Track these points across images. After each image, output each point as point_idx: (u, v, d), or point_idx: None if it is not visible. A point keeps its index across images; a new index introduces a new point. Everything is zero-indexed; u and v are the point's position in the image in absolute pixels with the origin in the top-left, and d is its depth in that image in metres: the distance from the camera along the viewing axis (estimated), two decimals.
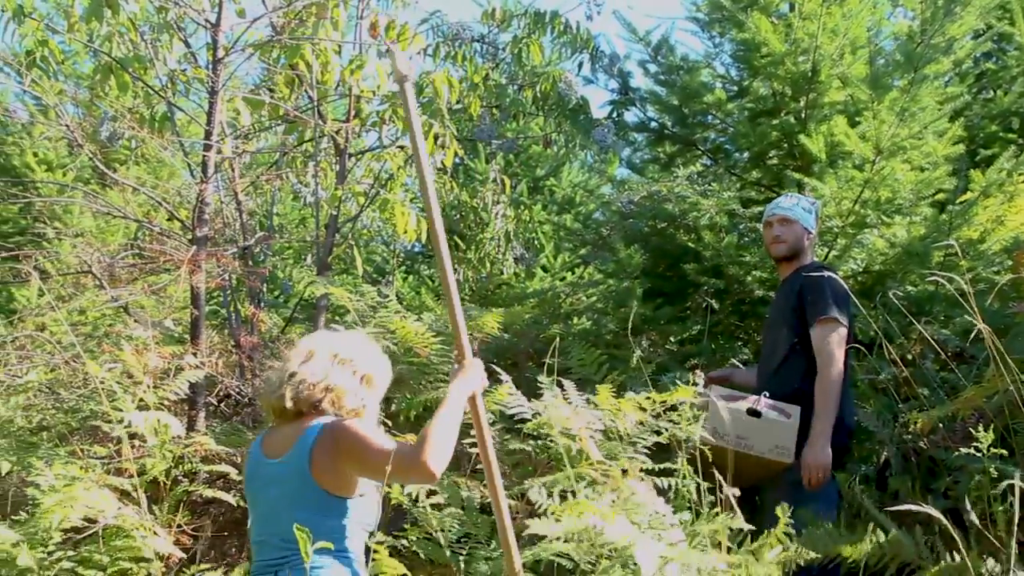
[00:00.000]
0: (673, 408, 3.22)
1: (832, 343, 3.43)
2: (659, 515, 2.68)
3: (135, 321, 4.43)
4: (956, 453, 3.14)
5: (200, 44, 5.26)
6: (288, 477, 2.29)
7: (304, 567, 2.04)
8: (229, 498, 3.55)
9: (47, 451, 3.55)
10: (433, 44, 5.43)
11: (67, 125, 4.62)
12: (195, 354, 4.03)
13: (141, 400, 3.32)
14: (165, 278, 4.50)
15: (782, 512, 2.62)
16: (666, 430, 3.20)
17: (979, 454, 2.85)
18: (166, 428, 3.22)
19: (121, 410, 3.21)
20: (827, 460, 3.32)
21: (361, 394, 2.45)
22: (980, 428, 2.85)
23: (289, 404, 2.36)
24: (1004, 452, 2.89)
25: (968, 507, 2.86)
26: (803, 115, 5.08)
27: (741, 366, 4.23)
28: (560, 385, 3.42)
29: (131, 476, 3.21)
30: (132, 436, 3.30)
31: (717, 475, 2.81)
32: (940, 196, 4.81)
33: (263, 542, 2.32)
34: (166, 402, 3.49)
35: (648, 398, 3.16)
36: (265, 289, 5.54)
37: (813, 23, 4.86)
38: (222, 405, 4.79)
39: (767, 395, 3.45)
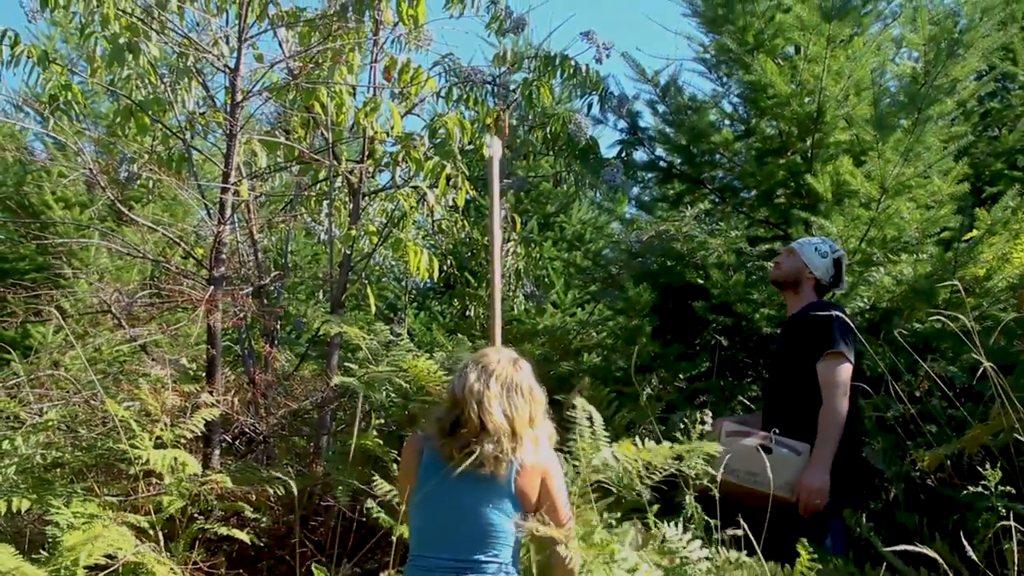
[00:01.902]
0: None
1: (837, 376, 3.47)
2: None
3: (152, 359, 4.49)
4: (964, 491, 3.16)
5: (218, 86, 5.39)
6: (488, 490, 2.57)
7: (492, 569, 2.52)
8: (243, 536, 3.59)
9: (64, 488, 3.60)
10: (446, 87, 5.52)
11: (90, 168, 4.72)
12: (211, 392, 4.09)
13: (158, 438, 3.37)
14: (182, 317, 4.57)
15: (803, 549, 2.64)
16: (676, 469, 3.22)
17: (987, 492, 2.87)
18: (183, 466, 3.27)
19: (138, 448, 3.26)
20: (824, 487, 3.35)
21: (537, 412, 2.71)
22: (987, 466, 2.88)
23: (489, 426, 2.58)
24: (1011, 490, 2.92)
25: (972, 544, 2.88)
26: (809, 154, 5.14)
27: (751, 407, 4.24)
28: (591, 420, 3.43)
29: (147, 513, 3.26)
30: (148, 474, 3.36)
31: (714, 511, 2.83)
32: (946, 234, 4.86)
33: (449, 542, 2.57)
34: (182, 440, 3.54)
35: (671, 447, 3.17)
36: (279, 327, 5.61)
37: (818, 65, 4.94)
38: (236, 443, 4.84)
39: (777, 432, 3.48)
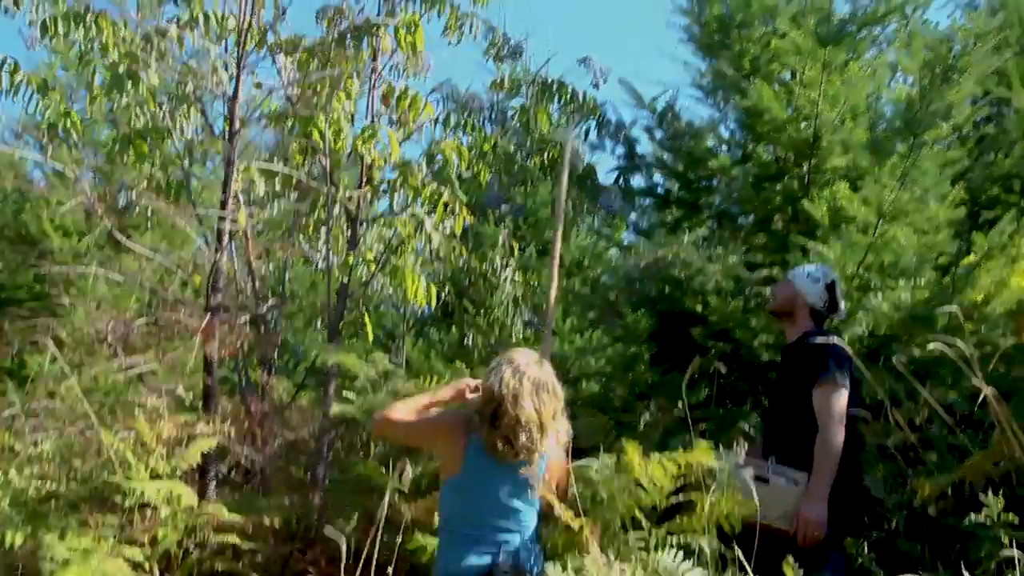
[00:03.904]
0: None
1: (832, 404, 3.45)
2: None
3: (148, 389, 4.47)
4: (966, 520, 3.14)
5: (217, 114, 5.40)
6: (522, 479, 2.86)
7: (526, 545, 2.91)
8: (240, 568, 3.55)
9: (58, 521, 3.56)
10: (444, 113, 5.54)
11: (87, 196, 4.72)
12: (208, 422, 4.07)
13: (154, 469, 3.35)
14: (179, 346, 4.56)
15: (790, 570, 2.61)
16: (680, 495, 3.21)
17: (989, 521, 2.85)
18: (179, 498, 3.24)
19: (133, 480, 3.23)
20: (822, 518, 3.32)
21: (558, 409, 2.99)
22: (989, 494, 2.85)
23: (536, 419, 2.88)
24: (1014, 518, 2.90)
25: (975, 574, 2.85)
26: (806, 180, 5.15)
27: (751, 434, 4.21)
28: None
29: (143, 546, 3.22)
30: (143, 506, 3.33)
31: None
32: (943, 259, 4.85)
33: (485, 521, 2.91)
34: (178, 471, 3.51)
35: (674, 461, 3.17)
36: (276, 356, 5.58)
37: (814, 90, 4.95)
38: (233, 473, 4.81)
39: (774, 460, 3.46)
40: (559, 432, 3.00)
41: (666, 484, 3.19)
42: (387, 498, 3.02)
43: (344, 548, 2.51)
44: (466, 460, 2.96)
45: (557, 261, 4.09)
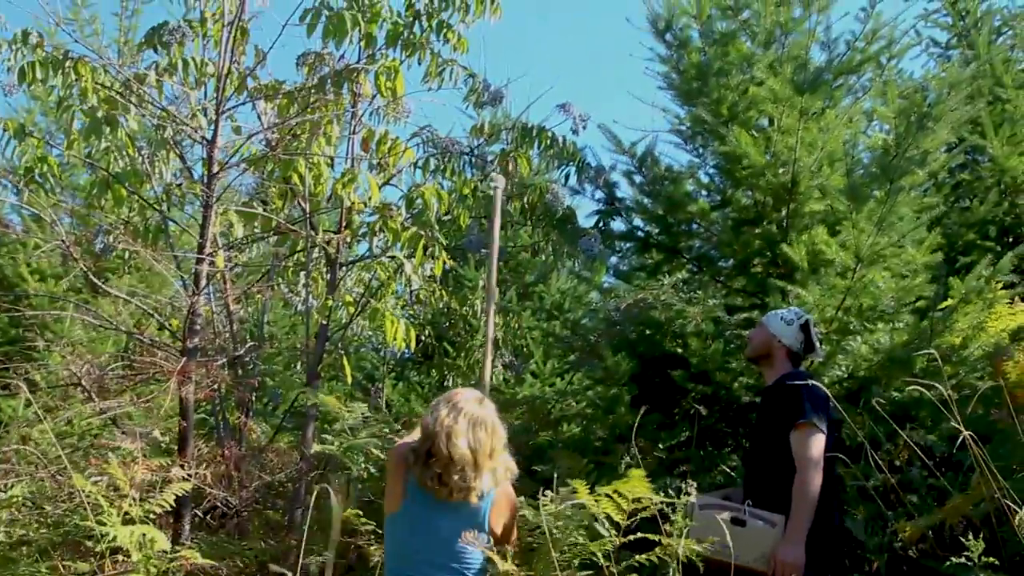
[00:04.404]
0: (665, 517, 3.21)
1: (809, 447, 3.45)
2: None
3: (123, 433, 4.41)
4: (947, 562, 3.12)
5: (196, 158, 5.40)
6: (464, 519, 2.88)
7: None
8: None
9: (29, 567, 3.49)
10: (423, 157, 5.56)
11: (63, 240, 4.69)
12: (183, 466, 4.01)
13: (127, 514, 3.29)
14: (155, 388, 4.51)
15: None
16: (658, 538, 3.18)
17: (970, 563, 2.84)
18: (151, 542, 3.18)
19: (105, 524, 3.17)
20: (799, 560, 3.30)
21: (499, 449, 3.01)
22: (969, 536, 2.85)
23: (469, 458, 2.88)
24: (995, 561, 2.89)
25: None
26: (785, 224, 5.19)
27: (732, 476, 4.20)
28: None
29: None
30: (116, 551, 3.26)
31: None
32: (921, 303, 4.89)
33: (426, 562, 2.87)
34: (151, 515, 3.45)
35: (622, 496, 3.15)
36: (254, 398, 5.53)
37: (791, 137, 5.01)
38: (208, 517, 4.73)
39: (750, 504, 3.45)
40: (498, 470, 2.99)
41: (620, 520, 3.17)
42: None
43: None
44: (405, 497, 2.95)
45: (491, 329, 4.08)
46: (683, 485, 3.23)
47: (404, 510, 2.93)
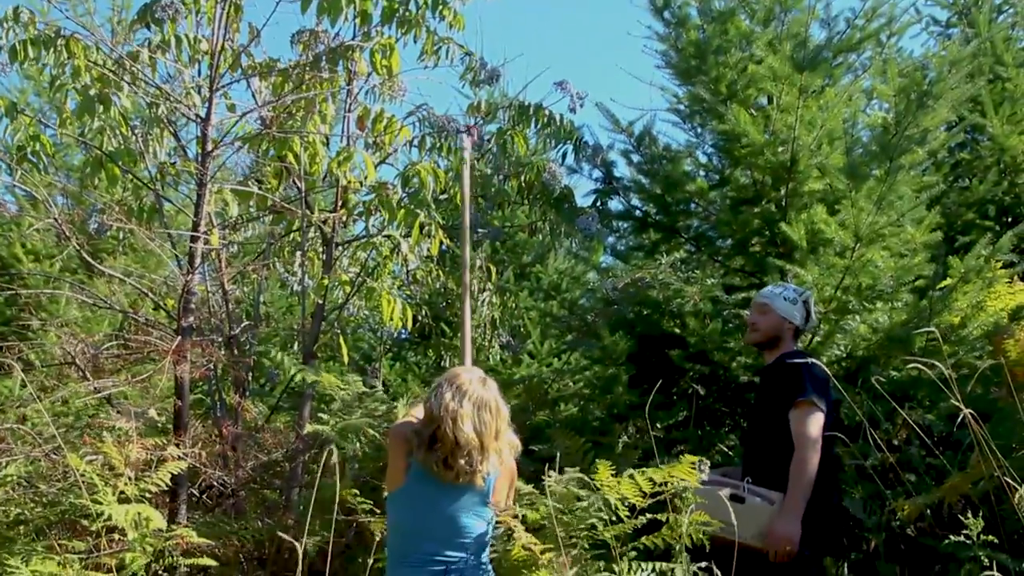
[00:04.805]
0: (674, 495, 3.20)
1: (808, 425, 3.44)
2: None
3: (118, 412, 4.39)
4: (946, 541, 3.12)
5: (190, 137, 5.35)
6: (467, 496, 2.89)
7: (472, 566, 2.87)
8: None
9: (24, 546, 3.47)
10: (419, 136, 5.51)
11: (55, 218, 4.65)
12: (178, 445, 3.99)
13: (122, 493, 3.27)
14: (150, 368, 4.48)
15: None
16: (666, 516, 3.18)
17: (969, 541, 2.83)
18: (147, 521, 3.17)
19: (100, 503, 3.16)
20: (793, 534, 3.30)
21: (503, 427, 2.98)
22: (968, 515, 2.84)
23: (476, 442, 2.85)
24: (993, 539, 2.88)
25: None
26: (783, 203, 5.16)
27: (730, 455, 4.19)
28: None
29: (110, 571, 3.14)
30: (112, 530, 3.25)
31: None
32: (920, 282, 4.87)
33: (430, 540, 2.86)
34: (147, 494, 3.44)
35: (647, 477, 3.13)
36: (251, 378, 5.51)
37: (791, 115, 4.98)
38: (204, 496, 4.72)
39: (750, 481, 3.44)
40: (503, 451, 2.98)
41: (637, 502, 3.16)
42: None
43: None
44: (408, 477, 2.92)
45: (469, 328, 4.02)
46: (698, 463, 3.22)
47: (406, 488, 2.91)
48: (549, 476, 3.21)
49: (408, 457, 2.93)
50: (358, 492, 3.76)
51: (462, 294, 4.29)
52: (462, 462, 2.83)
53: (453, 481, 2.86)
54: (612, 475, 3.15)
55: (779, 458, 3.47)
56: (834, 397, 3.64)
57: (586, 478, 3.24)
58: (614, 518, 3.19)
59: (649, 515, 3.18)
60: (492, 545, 3.15)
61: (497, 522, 3.02)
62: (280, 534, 2.56)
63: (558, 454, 3.50)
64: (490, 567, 2.99)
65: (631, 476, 3.14)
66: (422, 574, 2.81)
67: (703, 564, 3.04)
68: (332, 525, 3.11)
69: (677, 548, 3.04)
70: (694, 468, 3.09)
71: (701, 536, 3.11)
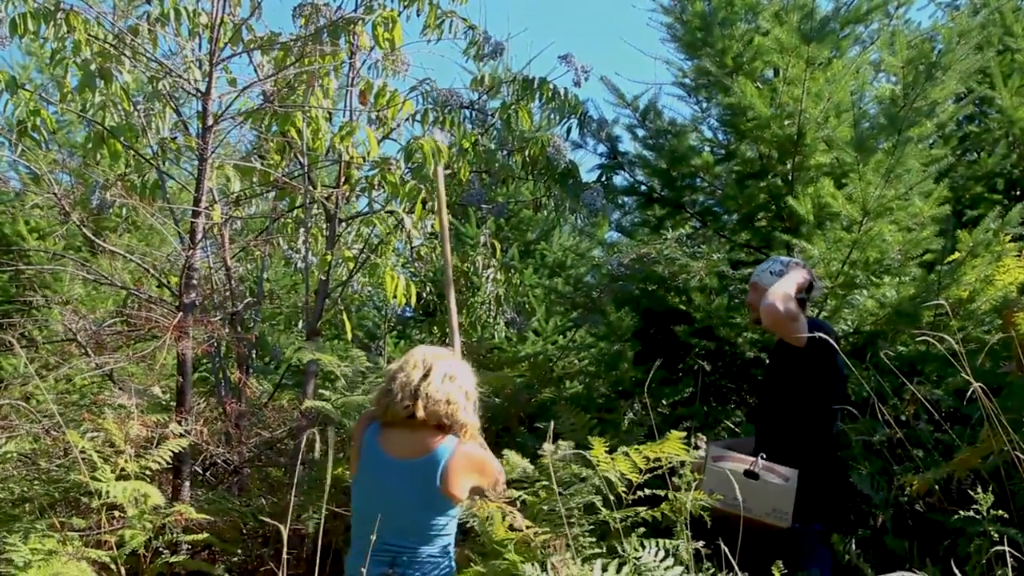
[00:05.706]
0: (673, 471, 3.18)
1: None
2: None
3: (120, 389, 4.37)
4: (955, 516, 3.09)
5: (192, 112, 5.31)
6: (416, 480, 2.72)
7: (422, 558, 2.70)
8: (212, 569, 3.46)
9: (26, 524, 3.46)
10: (422, 110, 5.46)
11: (55, 193, 4.62)
12: (180, 422, 3.98)
13: (122, 470, 3.26)
14: (152, 345, 4.46)
15: (777, 570, 2.58)
16: (666, 492, 3.16)
17: (978, 516, 2.80)
18: (146, 498, 3.15)
19: (100, 480, 3.14)
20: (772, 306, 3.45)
21: (468, 408, 2.83)
22: (977, 490, 2.81)
23: (420, 414, 2.73)
24: (1003, 514, 2.85)
25: (964, 571, 2.80)
26: (790, 177, 5.10)
27: (736, 431, 4.17)
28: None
29: (110, 548, 3.13)
30: (112, 507, 3.23)
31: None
32: (928, 256, 4.81)
33: (380, 528, 2.63)
34: (148, 471, 3.42)
35: (642, 454, 3.12)
36: (254, 355, 5.49)
37: (797, 88, 4.91)
38: (207, 473, 4.71)
39: (764, 457, 3.41)
40: (467, 432, 2.85)
41: (634, 478, 3.14)
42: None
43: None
44: (361, 458, 2.84)
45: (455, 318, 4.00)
46: (694, 438, 3.20)
47: (359, 473, 2.84)
48: (544, 450, 3.18)
49: (361, 439, 2.86)
50: None
51: (445, 290, 4.21)
52: (416, 436, 2.74)
53: (405, 459, 2.74)
54: (607, 451, 3.12)
55: (794, 432, 3.45)
56: (844, 372, 3.62)
57: (584, 453, 3.21)
58: (612, 497, 3.17)
59: (648, 491, 3.16)
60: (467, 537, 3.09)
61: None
62: (263, 518, 2.52)
63: (551, 426, 3.46)
64: (451, 561, 2.83)
65: (625, 453, 3.11)
66: (374, 563, 2.64)
67: (711, 540, 3.01)
68: (323, 505, 3.08)
69: (679, 524, 3.01)
70: (685, 445, 3.08)
71: (705, 513, 3.09)
